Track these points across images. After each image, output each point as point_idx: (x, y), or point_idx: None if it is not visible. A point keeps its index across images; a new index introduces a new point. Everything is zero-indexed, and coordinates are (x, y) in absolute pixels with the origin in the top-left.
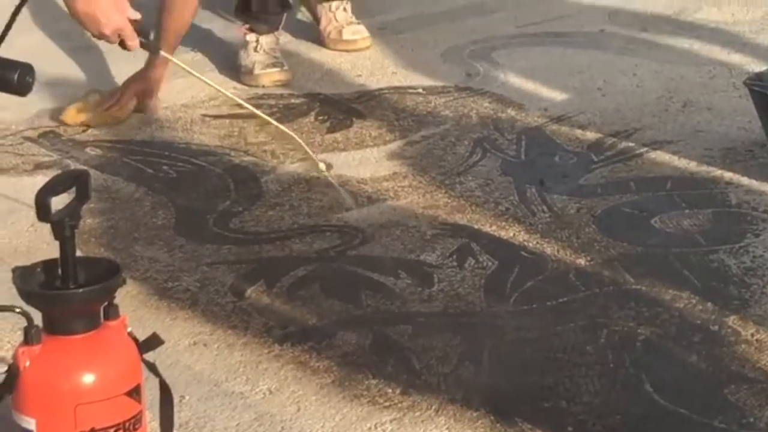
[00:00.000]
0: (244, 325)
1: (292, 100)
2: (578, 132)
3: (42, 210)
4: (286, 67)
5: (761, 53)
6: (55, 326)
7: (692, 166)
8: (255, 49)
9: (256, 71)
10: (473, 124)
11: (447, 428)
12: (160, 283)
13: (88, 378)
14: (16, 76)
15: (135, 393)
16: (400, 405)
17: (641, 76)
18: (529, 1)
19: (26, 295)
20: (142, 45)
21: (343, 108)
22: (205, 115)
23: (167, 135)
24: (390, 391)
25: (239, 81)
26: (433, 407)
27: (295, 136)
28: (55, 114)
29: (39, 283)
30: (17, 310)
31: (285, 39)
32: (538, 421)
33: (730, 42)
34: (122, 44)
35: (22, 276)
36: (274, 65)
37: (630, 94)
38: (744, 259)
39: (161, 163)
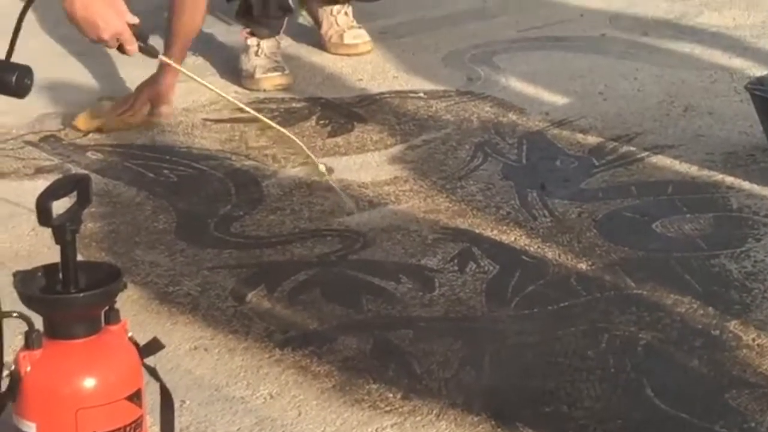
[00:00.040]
0: (245, 329)
1: (294, 104)
2: (579, 136)
3: (43, 214)
4: (287, 71)
5: (762, 58)
6: (56, 331)
7: (693, 170)
8: (256, 53)
9: (258, 75)
10: (474, 128)
11: None
12: (161, 288)
13: (89, 382)
14: (14, 78)
15: (136, 397)
16: (401, 410)
17: (642, 81)
18: (531, 6)
19: (27, 300)
20: (140, 49)
21: (344, 112)
22: (206, 119)
23: (168, 139)
24: (391, 395)
25: (240, 85)
26: (434, 412)
27: (295, 138)
28: (68, 120)
29: (40, 288)
30: (14, 314)
31: (286, 43)
32: (539, 426)
33: (731, 46)
34: (120, 49)
35: (23, 280)
36: (275, 69)
37: (631, 99)
38: (745, 264)
39: (162, 168)
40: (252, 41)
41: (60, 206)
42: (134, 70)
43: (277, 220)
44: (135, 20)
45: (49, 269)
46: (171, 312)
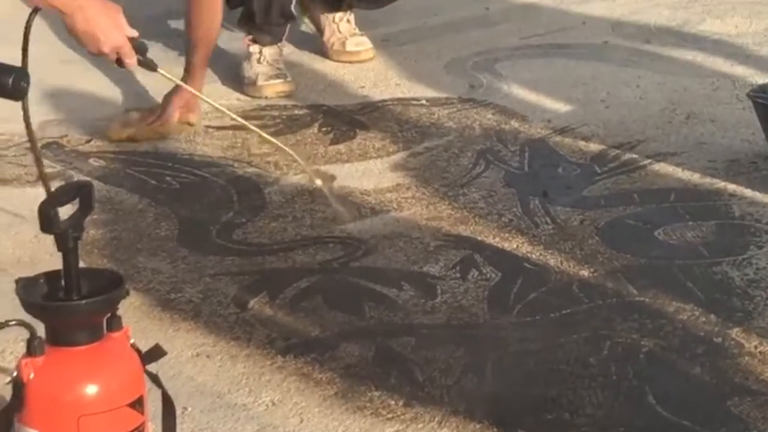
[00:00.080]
0: (247, 336)
1: (296, 112)
2: (581, 143)
3: (45, 221)
4: (289, 79)
5: (765, 65)
6: (59, 337)
7: (696, 178)
8: (258, 61)
9: (260, 82)
10: (476, 135)
11: None
12: (163, 295)
13: (91, 389)
14: (10, 81)
15: (138, 404)
16: (403, 417)
17: (644, 88)
18: (533, 13)
19: (29, 306)
20: (139, 62)
21: (346, 119)
22: (208, 127)
23: (170, 146)
24: (393, 402)
25: (242, 92)
26: (436, 419)
27: (291, 152)
28: (98, 131)
29: (42, 295)
30: (12, 323)
31: (288, 50)
32: None
33: (733, 54)
34: (119, 62)
35: (26, 287)
36: (277, 76)
37: (633, 106)
38: (747, 271)
39: (164, 175)
40: (254, 48)
41: (62, 213)
42: (140, 78)
43: (279, 227)
44: (134, 33)
45: (51, 276)
46: (173, 319)
